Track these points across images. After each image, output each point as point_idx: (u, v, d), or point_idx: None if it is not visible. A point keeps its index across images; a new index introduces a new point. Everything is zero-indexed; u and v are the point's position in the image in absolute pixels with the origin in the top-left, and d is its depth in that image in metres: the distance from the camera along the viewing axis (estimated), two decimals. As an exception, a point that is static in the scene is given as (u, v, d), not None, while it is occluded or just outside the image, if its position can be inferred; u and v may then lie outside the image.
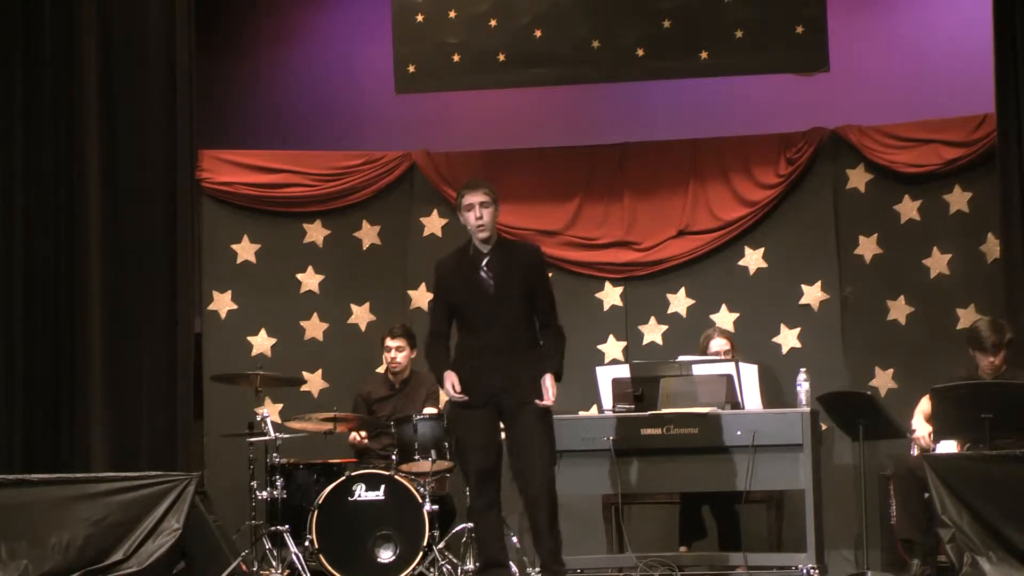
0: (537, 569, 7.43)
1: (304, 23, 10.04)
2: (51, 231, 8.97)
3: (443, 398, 9.05)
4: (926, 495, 7.23)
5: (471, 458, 6.94)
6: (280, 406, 9.23)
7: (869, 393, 8.20)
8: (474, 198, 6.89)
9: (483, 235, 6.91)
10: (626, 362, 8.46)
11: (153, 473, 7.81)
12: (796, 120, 9.26)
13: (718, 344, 8.42)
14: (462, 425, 6.95)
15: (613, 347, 9.28)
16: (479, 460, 6.89)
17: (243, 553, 7.93)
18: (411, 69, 9.01)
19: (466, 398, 6.84)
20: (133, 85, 9.11)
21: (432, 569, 7.89)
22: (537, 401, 6.79)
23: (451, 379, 6.86)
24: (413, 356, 8.82)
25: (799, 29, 8.69)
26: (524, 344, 6.90)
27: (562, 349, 6.97)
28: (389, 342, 8.79)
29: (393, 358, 8.78)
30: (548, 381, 6.81)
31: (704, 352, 8.41)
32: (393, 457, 8.24)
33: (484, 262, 6.92)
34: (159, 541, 7.49)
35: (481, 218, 6.88)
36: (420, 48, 8.99)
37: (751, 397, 7.86)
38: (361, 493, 8.04)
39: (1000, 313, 8.30)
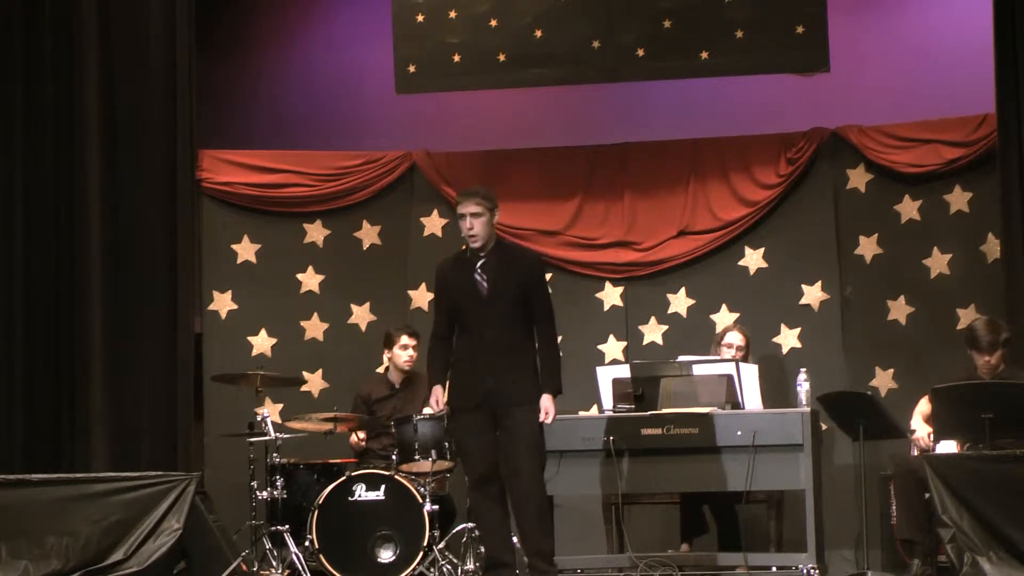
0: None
1: (304, 23, 10.03)
2: (51, 231, 8.97)
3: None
4: (926, 495, 7.23)
5: (469, 463, 7.05)
6: (280, 406, 9.23)
7: (869, 393, 8.20)
8: (466, 208, 6.97)
9: (474, 244, 6.97)
10: (626, 362, 8.46)
11: (153, 473, 7.82)
12: (796, 120, 9.26)
13: (734, 337, 8.39)
14: (459, 429, 7.05)
15: (613, 347, 9.28)
16: (476, 466, 6.98)
17: (243, 553, 7.93)
18: (411, 69, 9.01)
19: (446, 411, 6.97)
20: (133, 85, 9.11)
21: (432, 569, 7.89)
22: (543, 419, 6.86)
23: (436, 394, 7.00)
24: (415, 356, 8.86)
25: (799, 29, 8.69)
26: (516, 347, 6.95)
27: (558, 364, 7.03)
28: (407, 339, 8.76)
29: (412, 356, 8.76)
30: (548, 402, 6.88)
31: (718, 343, 8.41)
32: (393, 457, 8.25)
33: (479, 264, 6.98)
34: (159, 541, 7.50)
35: (472, 228, 6.95)
36: (420, 48, 8.99)
37: (751, 397, 7.86)
38: (361, 493, 8.05)
39: (1000, 313, 8.29)
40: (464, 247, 7.08)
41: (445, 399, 6.99)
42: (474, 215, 6.94)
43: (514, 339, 6.94)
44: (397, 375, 8.85)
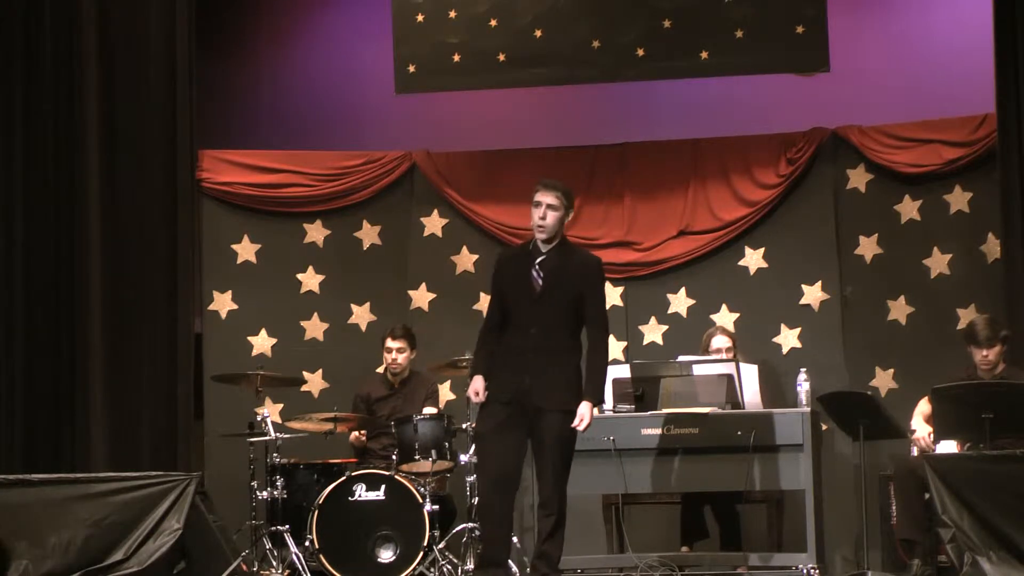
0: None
1: (304, 23, 10.04)
2: (51, 231, 8.96)
3: (443, 398, 9.11)
4: (926, 495, 7.23)
5: (487, 463, 6.92)
6: (280, 406, 9.23)
7: (869, 393, 8.21)
8: (543, 198, 6.88)
9: (541, 235, 6.89)
10: (626, 362, 8.45)
11: (153, 473, 7.81)
12: (796, 120, 9.26)
13: (719, 341, 8.41)
14: (484, 422, 6.91)
15: (613, 347, 9.20)
16: (494, 467, 6.85)
17: (243, 553, 7.93)
18: (411, 69, 9.01)
19: (483, 400, 6.85)
20: (133, 85, 9.11)
21: (432, 569, 7.89)
22: (575, 424, 6.79)
23: (475, 386, 6.88)
24: (412, 357, 8.82)
25: (799, 29, 8.69)
26: (560, 350, 6.86)
27: (603, 374, 6.95)
28: (390, 343, 8.78)
29: (394, 359, 8.76)
30: (586, 409, 6.79)
31: (706, 350, 8.41)
32: (393, 457, 8.25)
33: (538, 260, 6.90)
34: (159, 541, 7.49)
35: (544, 219, 6.86)
36: (420, 48, 8.99)
37: (751, 397, 7.86)
38: (361, 493, 8.05)
39: (1000, 313, 8.30)
40: (529, 240, 6.99)
41: (484, 390, 6.86)
42: (550, 206, 6.84)
43: (559, 341, 6.85)
44: (394, 375, 8.84)
